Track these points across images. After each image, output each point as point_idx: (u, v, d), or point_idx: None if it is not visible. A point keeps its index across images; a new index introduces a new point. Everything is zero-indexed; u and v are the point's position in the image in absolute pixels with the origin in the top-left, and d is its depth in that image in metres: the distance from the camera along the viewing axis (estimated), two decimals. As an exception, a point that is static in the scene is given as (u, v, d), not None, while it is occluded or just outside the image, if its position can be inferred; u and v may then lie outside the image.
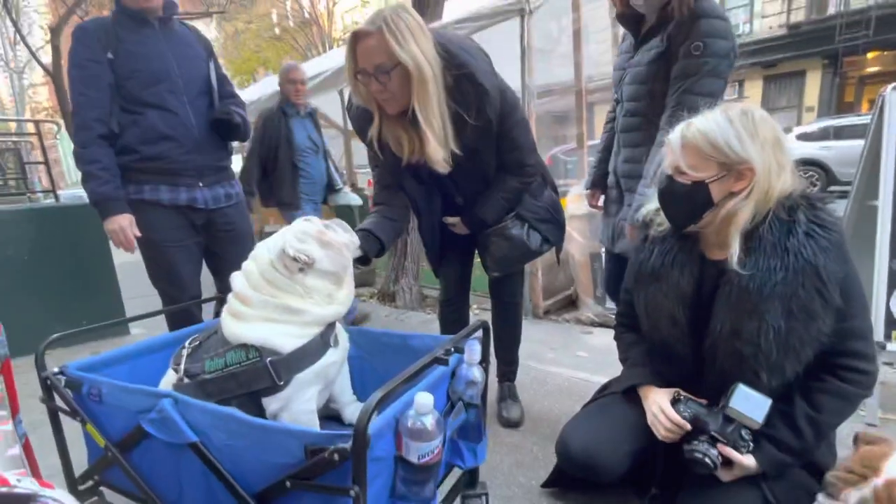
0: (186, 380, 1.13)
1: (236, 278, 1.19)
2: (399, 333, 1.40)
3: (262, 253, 1.17)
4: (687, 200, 1.06)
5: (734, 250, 1.02)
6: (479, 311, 3.23)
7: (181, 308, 1.77)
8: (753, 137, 0.98)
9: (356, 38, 1.32)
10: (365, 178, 5.72)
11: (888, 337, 1.90)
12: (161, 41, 1.80)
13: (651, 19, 1.57)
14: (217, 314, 1.84)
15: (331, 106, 6.42)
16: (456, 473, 1.21)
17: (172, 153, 1.82)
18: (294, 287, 1.13)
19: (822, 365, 1.04)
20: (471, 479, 1.22)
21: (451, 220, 1.72)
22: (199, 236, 1.96)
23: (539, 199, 1.70)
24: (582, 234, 3.15)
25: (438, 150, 1.41)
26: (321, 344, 1.15)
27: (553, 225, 1.73)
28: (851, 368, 1.02)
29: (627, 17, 1.63)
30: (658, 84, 1.54)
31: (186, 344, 1.21)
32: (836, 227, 1.01)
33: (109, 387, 1.11)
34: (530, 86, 2.90)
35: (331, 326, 1.19)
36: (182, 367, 1.15)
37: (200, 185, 1.90)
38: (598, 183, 1.90)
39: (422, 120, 1.37)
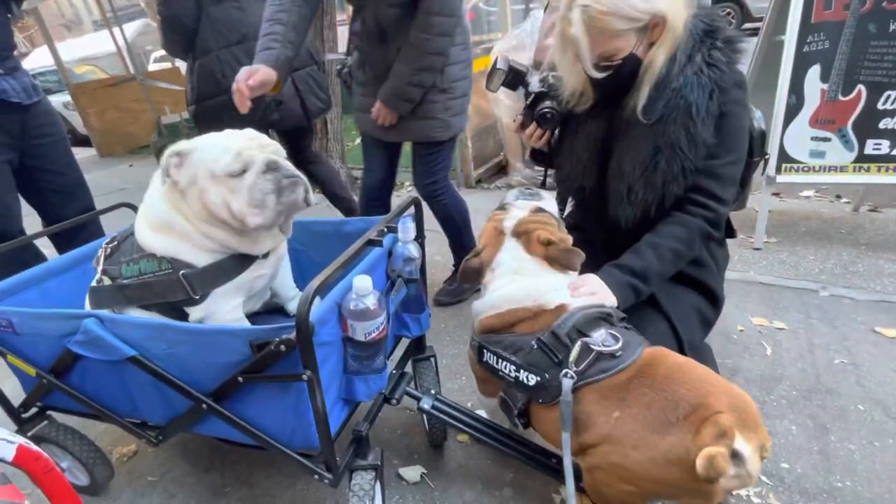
0: (106, 280, 1.07)
1: (157, 173, 1.06)
2: (331, 220, 1.37)
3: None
4: (626, 77, 1.03)
5: (642, 95, 1.02)
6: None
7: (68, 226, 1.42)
8: None
9: None
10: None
11: (779, 170, 2.10)
12: None
13: None
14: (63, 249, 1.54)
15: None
16: (405, 343, 1.30)
17: None
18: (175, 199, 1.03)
19: (675, 203, 1.10)
20: (419, 345, 1.32)
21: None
22: (12, 152, 1.46)
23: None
24: (510, 97, 3.05)
25: None
26: (241, 261, 1.07)
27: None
28: (697, 203, 1.08)
29: None
30: None
31: (104, 244, 1.13)
32: (727, 66, 1.02)
33: (21, 315, 1.03)
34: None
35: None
36: (100, 267, 1.08)
37: (1, 72, 1.40)
38: None
39: None
